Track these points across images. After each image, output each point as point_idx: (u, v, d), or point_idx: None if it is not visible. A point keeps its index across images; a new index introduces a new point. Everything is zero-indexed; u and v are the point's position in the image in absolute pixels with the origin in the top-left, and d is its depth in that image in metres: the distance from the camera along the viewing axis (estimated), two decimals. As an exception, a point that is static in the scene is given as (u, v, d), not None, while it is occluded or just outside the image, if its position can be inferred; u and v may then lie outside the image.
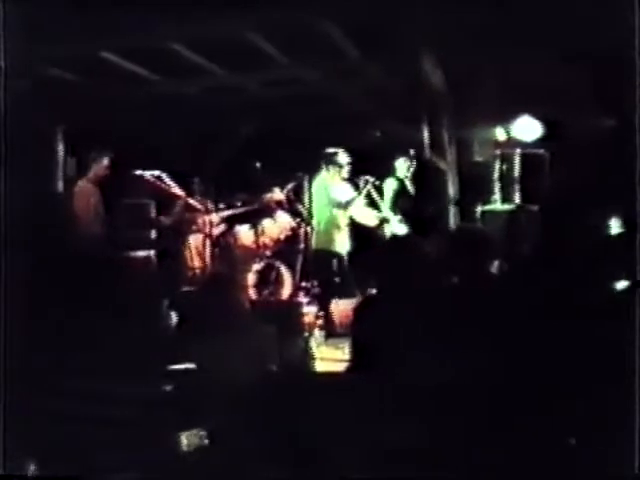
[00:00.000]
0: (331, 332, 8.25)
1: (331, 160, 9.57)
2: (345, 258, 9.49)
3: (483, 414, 4.20)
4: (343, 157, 9.55)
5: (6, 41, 5.70)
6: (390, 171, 9.93)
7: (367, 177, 9.48)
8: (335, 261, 9.49)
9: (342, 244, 9.59)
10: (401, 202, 9.81)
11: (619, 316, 4.69)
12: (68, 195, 8.97)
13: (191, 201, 9.71)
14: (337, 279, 9.33)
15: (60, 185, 9.52)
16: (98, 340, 4.71)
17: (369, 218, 9.73)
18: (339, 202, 9.51)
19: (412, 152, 9.92)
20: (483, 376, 4.26)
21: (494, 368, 4.28)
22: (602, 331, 4.42)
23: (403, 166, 9.92)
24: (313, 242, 9.55)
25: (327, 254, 9.51)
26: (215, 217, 10.03)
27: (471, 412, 4.20)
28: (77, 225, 8.45)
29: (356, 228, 9.73)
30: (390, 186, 9.86)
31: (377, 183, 9.63)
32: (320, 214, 9.62)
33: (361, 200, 9.58)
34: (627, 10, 5.13)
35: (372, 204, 9.73)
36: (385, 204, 9.74)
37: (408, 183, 9.94)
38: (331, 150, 9.59)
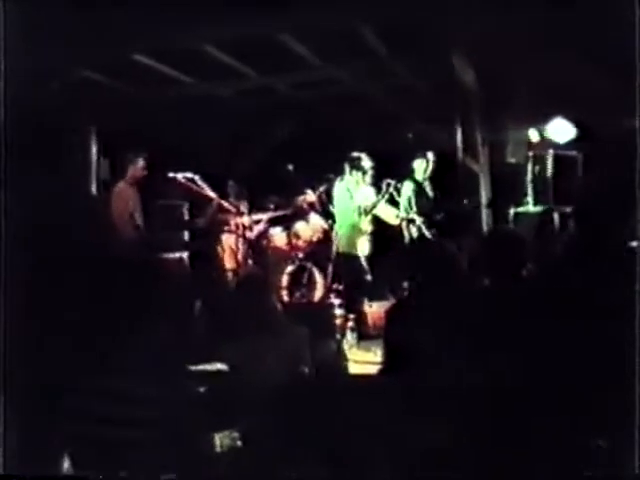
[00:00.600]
0: (363, 334, 8.23)
1: (354, 164, 9.56)
2: (369, 261, 9.50)
3: (516, 416, 4.19)
4: (367, 161, 9.54)
5: (37, 43, 5.73)
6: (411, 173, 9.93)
7: (389, 180, 9.45)
8: (364, 264, 9.48)
9: (365, 248, 9.57)
10: (425, 203, 9.80)
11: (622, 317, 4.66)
12: (102, 197, 9.01)
13: (224, 203, 9.69)
14: (368, 280, 9.31)
15: (94, 187, 9.56)
16: (131, 341, 4.71)
17: (392, 217, 9.71)
18: (363, 208, 9.50)
19: (429, 154, 9.89)
20: (516, 378, 4.25)
21: (527, 370, 4.27)
22: (611, 332, 4.41)
23: (421, 168, 9.90)
24: (336, 245, 9.56)
25: (354, 257, 9.51)
26: (248, 219, 10.02)
27: (503, 414, 4.19)
28: (112, 227, 8.48)
29: (382, 230, 9.72)
30: (407, 188, 9.84)
31: (399, 185, 9.61)
32: (343, 218, 9.61)
33: (383, 203, 9.56)
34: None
35: (395, 206, 9.71)
36: (402, 206, 9.74)
37: (427, 185, 9.92)
38: (355, 154, 9.58)
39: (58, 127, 7.36)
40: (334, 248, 9.50)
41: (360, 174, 9.55)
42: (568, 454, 4.20)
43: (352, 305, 8.79)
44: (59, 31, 6.44)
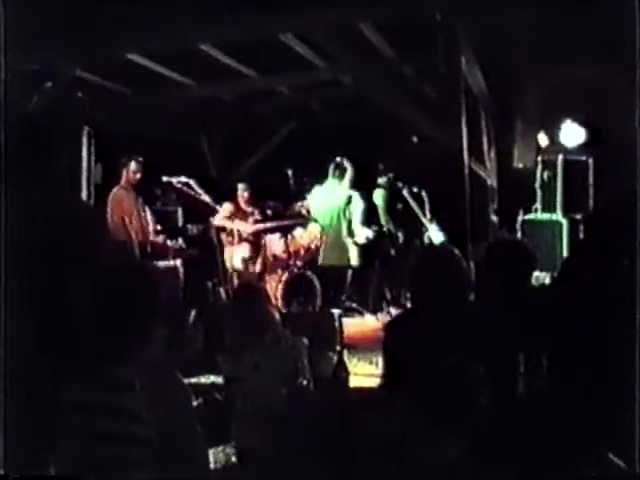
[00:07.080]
0: (364, 346, 8.06)
1: (337, 167, 9.46)
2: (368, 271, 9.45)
3: (521, 428, 4.10)
4: (348, 165, 9.45)
5: (28, 43, 5.61)
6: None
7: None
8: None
9: (355, 258, 9.51)
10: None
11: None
12: (93, 202, 8.89)
13: (219, 208, 9.58)
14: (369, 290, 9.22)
15: (84, 192, 9.42)
16: (122, 353, 4.56)
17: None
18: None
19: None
20: (521, 390, 4.25)
21: (532, 382, 4.24)
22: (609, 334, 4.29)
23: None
24: (320, 257, 9.53)
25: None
26: (245, 225, 9.87)
27: (509, 426, 4.12)
28: (105, 234, 8.36)
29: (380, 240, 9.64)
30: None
31: (415, 191, 9.47)
32: (328, 225, 9.56)
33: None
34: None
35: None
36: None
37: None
38: (338, 159, 9.46)
39: (49, 129, 7.22)
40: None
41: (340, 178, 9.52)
42: (571, 459, 4.07)
43: (353, 315, 8.65)
44: (50, 30, 6.34)
